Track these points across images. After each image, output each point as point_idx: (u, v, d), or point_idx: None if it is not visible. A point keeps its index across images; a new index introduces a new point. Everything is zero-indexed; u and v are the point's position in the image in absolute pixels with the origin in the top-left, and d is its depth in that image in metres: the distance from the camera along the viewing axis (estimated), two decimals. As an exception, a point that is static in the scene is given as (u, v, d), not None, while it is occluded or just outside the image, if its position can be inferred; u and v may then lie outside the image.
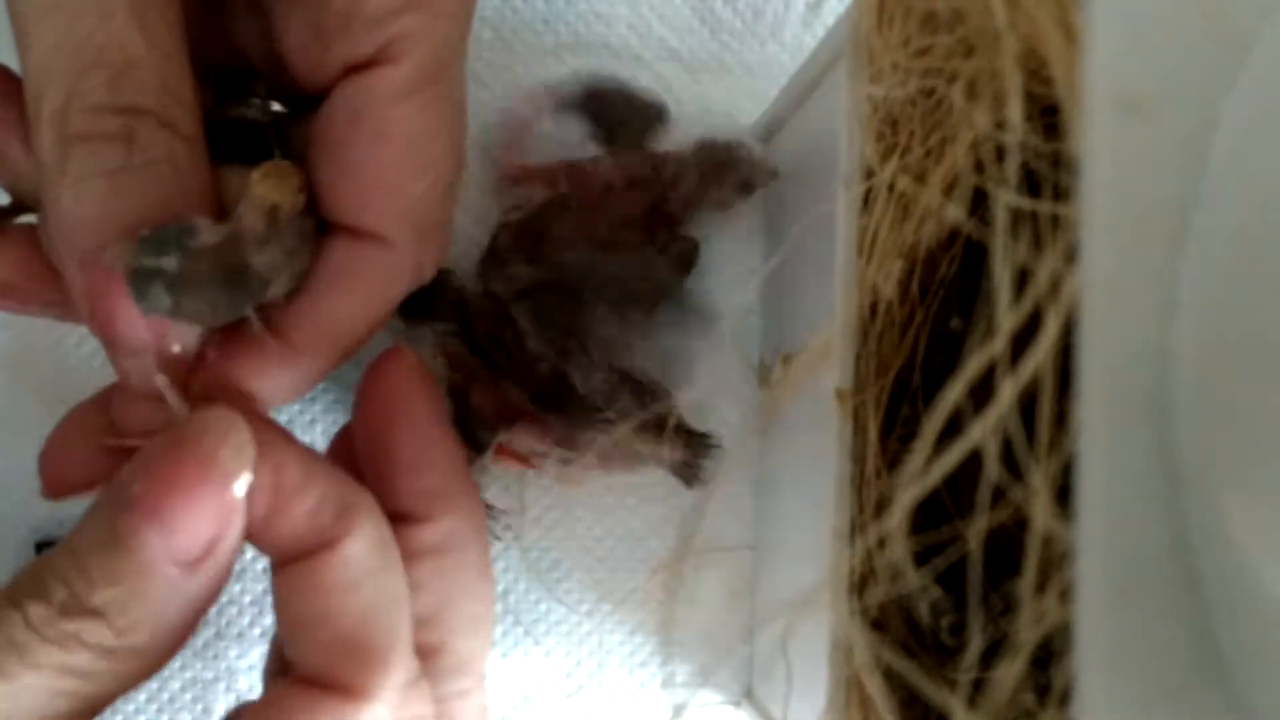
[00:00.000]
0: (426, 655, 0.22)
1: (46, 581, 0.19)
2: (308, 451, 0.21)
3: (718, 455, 0.28)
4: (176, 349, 0.21)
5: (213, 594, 0.20)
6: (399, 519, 0.22)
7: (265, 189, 0.21)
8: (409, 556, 0.22)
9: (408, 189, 0.22)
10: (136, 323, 0.20)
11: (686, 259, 0.29)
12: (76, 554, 0.19)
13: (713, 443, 0.28)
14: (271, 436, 0.21)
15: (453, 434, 0.24)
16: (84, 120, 0.19)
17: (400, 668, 0.21)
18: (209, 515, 0.19)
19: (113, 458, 0.22)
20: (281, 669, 0.22)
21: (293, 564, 0.21)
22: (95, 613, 0.18)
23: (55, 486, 0.23)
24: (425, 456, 0.23)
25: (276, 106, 0.24)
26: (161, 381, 0.21)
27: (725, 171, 0.28)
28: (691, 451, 0.28)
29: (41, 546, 0.28)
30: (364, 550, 0.20)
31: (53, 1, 0.19)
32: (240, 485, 0.20)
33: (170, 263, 0.19)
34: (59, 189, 0.19)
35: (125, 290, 0.19)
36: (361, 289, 0.23)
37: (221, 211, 0.21)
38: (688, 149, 0.29)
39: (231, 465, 0.19)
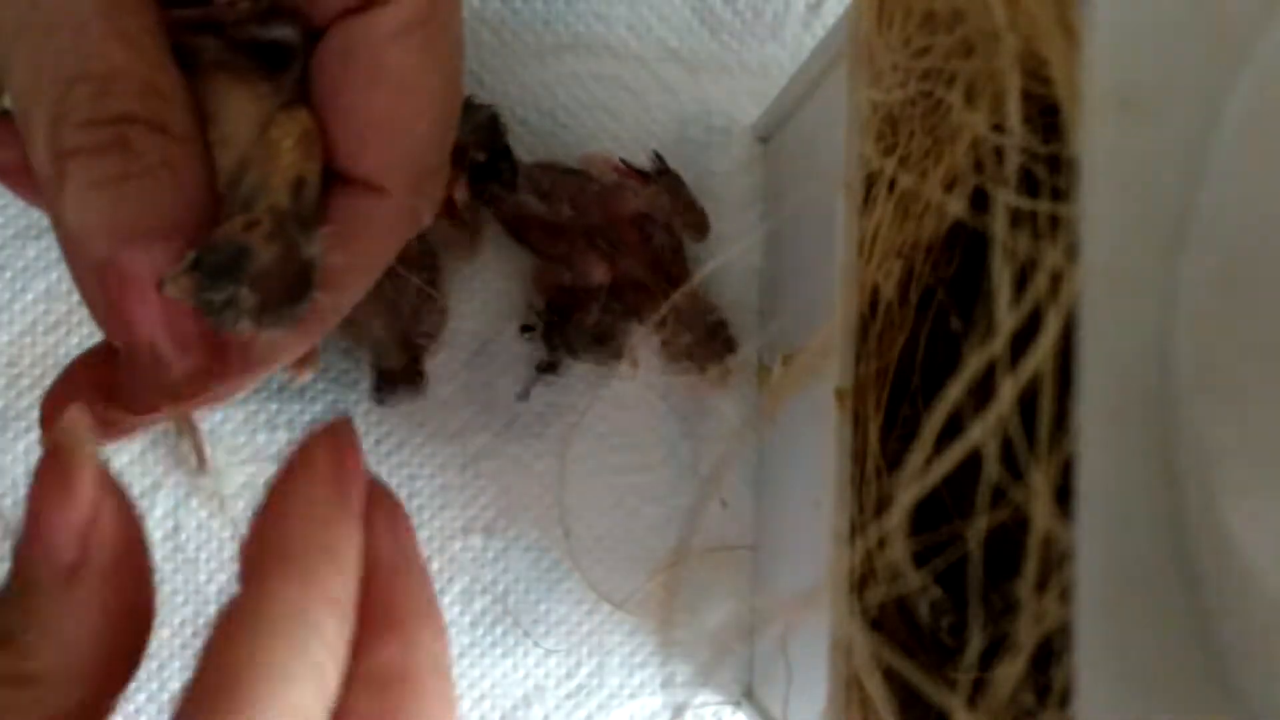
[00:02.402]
0: None
1: None
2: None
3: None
4: (189, 358, 0.20)
5: (113, 608, 0.19)
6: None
7: (293, 157, 0.20)
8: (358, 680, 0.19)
9: (404, 133, 0.22)
10: (156, 329, 0.19)
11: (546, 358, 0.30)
12: None
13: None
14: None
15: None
16: (76, 135, 0.19)
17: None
18: (66, 512, 0.18)
19: (109, 411, 0.21)
20: None
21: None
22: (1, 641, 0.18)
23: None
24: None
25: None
26: (177, 412, 0.20)
27: (712, 351, 0.30)
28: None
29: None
30: None
31: (24, 22, 0.19)
32: (88, 473, 0.18)
33: (244, 295, 0.19)
34: (60, 204, 0.19)
35: (140, 298, 0.19)
36: (360, 246, 0.22)
37: (208, 129, 0.20)
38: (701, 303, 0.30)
39: (75, 454, 0.18)
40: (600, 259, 0.28)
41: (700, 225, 0.30)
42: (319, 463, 0.20)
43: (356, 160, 0.21)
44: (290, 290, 0.20)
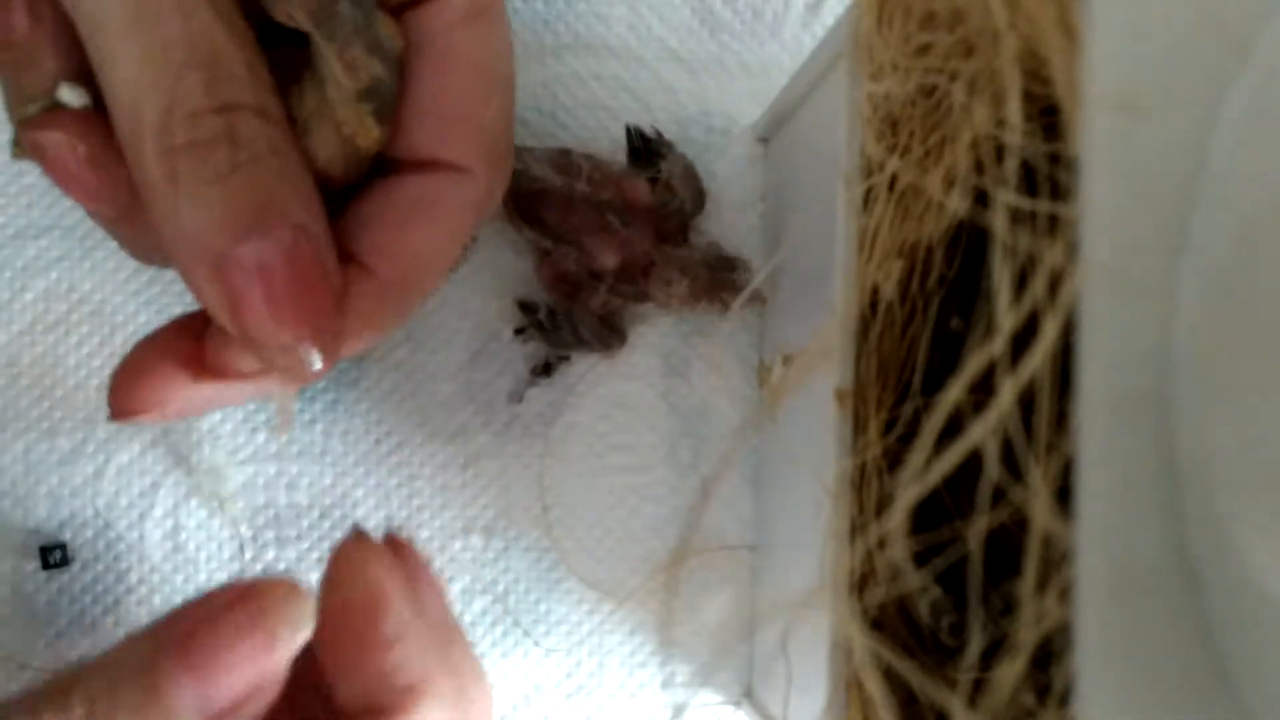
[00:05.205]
0: None
1: (71, 698, 0.19)
2: (411, 600, 0.21)
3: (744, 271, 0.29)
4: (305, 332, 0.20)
5: None
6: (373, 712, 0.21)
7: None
8: None
9: (479, 114, 0.23)
10: (273, 318, 0.20)
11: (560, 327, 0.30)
12: (111, 679, 0.19)
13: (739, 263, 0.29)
14: (391, 576, 0.21)
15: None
16: (186, 128, 0.19)
17: None
18: (247, 678, 0.19)
19: (185, 386, 0.22)
20: None
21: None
22: None
23: (122, 409, 0.22)
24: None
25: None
26: (288, 395, 0.21)
27: (720, 281, 0.29)
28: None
29: (45, 551, 0.28)
30: None
31: (134, 13, 0.19)
32: (286, 655, 0.20)
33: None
34: (173, 203, 0.19)
35: (263, 289, 0.19)
36: (444, 220, 0.23)
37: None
38: (697, 246, 0.29)
39: (284, 638, 0.20)
40: (610, 242, 0.28)
41: (700, 197, 0.30)
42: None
43: (441, 142, 0.22)
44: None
